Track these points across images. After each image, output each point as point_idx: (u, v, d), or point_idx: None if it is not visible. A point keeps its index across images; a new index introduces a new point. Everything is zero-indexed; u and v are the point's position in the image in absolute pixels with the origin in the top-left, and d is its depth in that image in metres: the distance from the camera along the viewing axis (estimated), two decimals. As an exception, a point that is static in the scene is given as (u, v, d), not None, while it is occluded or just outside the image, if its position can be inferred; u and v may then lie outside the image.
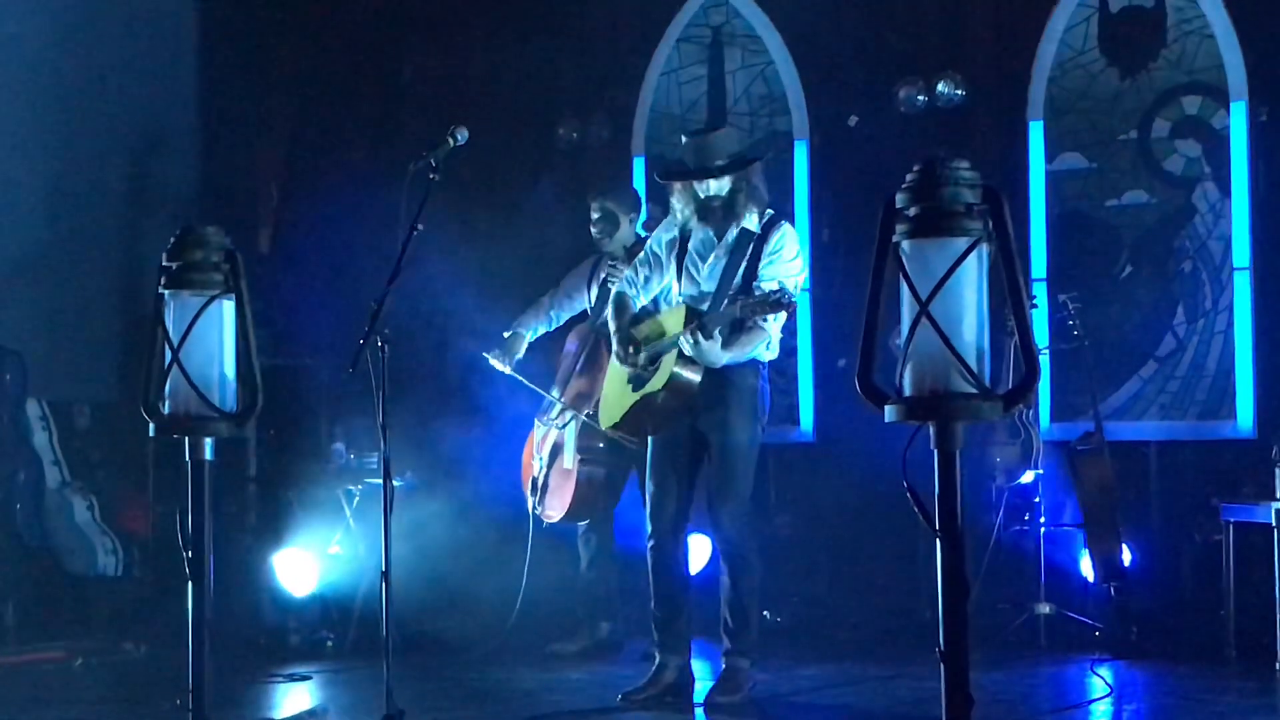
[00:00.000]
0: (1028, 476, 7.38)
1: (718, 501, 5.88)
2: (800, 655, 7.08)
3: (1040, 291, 8.01)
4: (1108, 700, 6.14)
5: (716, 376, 5.82)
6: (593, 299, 7.26)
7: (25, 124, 8.33)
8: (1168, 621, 7.34)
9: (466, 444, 7.89)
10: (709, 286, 5.87)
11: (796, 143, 8.74)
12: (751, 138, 8.55)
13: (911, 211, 2.98)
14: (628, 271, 6.21)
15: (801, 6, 8.58)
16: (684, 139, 6.07)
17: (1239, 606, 6.93)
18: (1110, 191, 8.25)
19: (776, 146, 8.64)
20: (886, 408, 3.00)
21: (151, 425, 3.74)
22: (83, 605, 7.99)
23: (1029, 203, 8.18)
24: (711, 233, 5.90)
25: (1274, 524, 6.54)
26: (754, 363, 5.89)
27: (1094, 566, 7.31)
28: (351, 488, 7.60)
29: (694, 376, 5.80)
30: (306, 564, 7.59)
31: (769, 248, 5.82)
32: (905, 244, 2.98)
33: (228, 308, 3.72)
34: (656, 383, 5.86)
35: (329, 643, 7.52)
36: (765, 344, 5.86)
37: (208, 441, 3.70)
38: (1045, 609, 7.33)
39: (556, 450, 7.15)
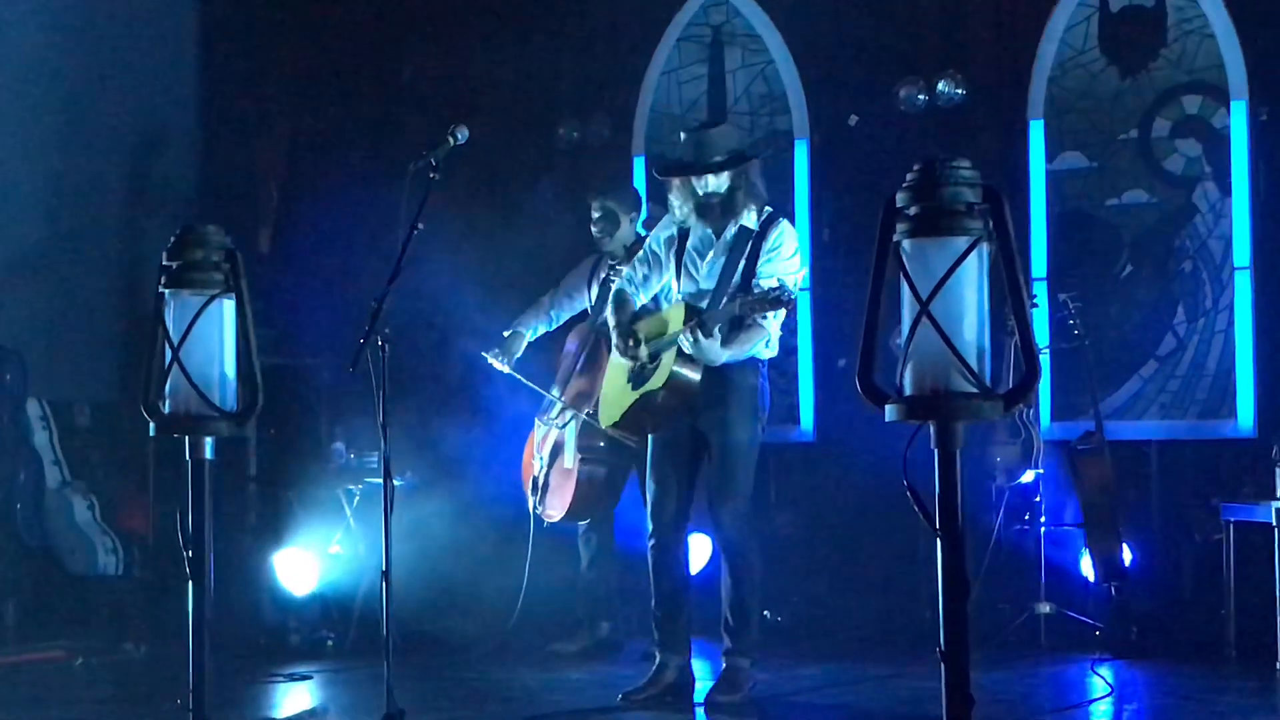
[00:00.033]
0: (1028, 476, 7.38)
1: (718, 500, 5.88)
2: (800, 655, 7.08)
3: (1041, 291, 8.01)
4: (1108, 700, 6.14)
5: (716, 375, 5.82)
6: (593, 298, 7.26)
7: (26, 123, 8.33)
8: (1168, 621, 7.34)
9: (467, 444, 7.90)
10: (708, 284, 5.87)
11: (797, 142, 8.74)
12: (752, 137, 8.54)
13: (912, 211, 2.98)
14: (627, 270, 6.21)
15: (802, 6, 8.59)
16: (682, 135, 6.07)
17: (1239, 606, 6.93)
18: (1110, 191, 8.25)
19: (777, 146, 8.64)
20: (887, 407, 3.00)
21: (152, 425, 3.74)
22: (83, 605, 7.99)
23: (1029, 202, 8.18)
24: (710, 231, 5.90)
25: (1274, 523, 6.54)
26: (753, 361, 5.88)
27: (1094, 566, 7.31)
28: (352, 487, 7.60)
29: (694, 375, 5.80)
30: (307, 563, 7.59)
31: (768, 245, 5.82)
32: (906, 243, 2.98)
33: (228, 307, 3.72)
34: (656, 381, 5.86)
35: (329, 642, 7.52)
36: (765, 342, 5.85)
37: (208, 441, 3.70)
38: (1046, 608, 7.33)
39: (557, 450, 7.15)
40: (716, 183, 5.84)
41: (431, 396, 8.56)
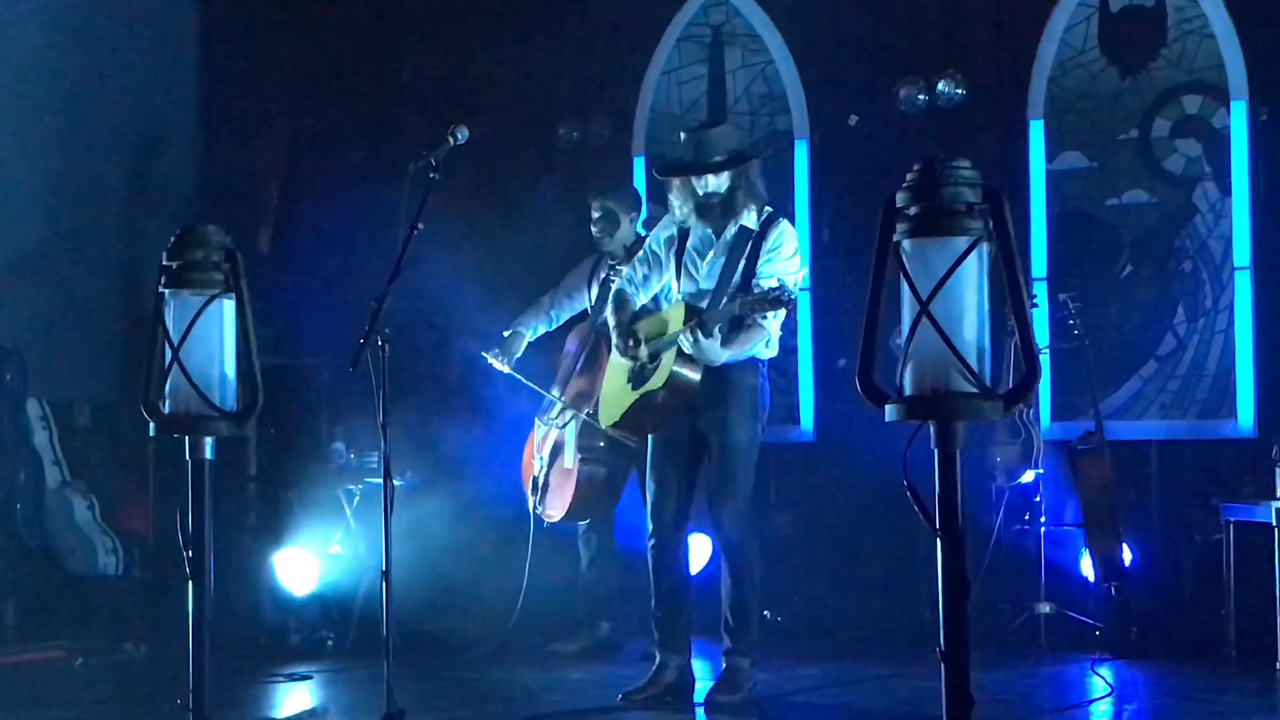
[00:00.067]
0: (1028, 476, 7.38)
1: (718, 500, 5.88)
2: (800, 655, 7.08)
3: (1041, 291, 8.01)
4: (1108, 700, 6.14)
5: (716, 375, 5.82)
6: (593, 298, 7.26)
7: (26, 123, 8.33)
8: (1168, 621, 7.34)
9: (467, 443, 7.90)
10: (708, 284, 5.87)
11: (797, 142, 8.74)
12: (752, 137, 8.54)
13: (912, 211, 2.98)
14: (627, 270, 6.21)
15: (802, 6, 8.59)
16: (682, 135, 6.07)
17: (1239, 606, 6.93)
18: (1110, 191, 8.25)
19: (777, 146, 8.64)
20: (887, 407, 3.00)
21: (152, 424, 3.74)
22: (83, 605, 7.99)
23: (1029, 202, 8.18)
24: (710, 231, 5.89)
25: (1274, 523, 6.54)
26: (753, 361, 5.88)
27: (1094, 566, 7.31)
28: (352, 487, 7.60)
29: (694, 375, 5.80)
30: (307, 563, 7.59)
31: (767, 245, 5.81)
32: (906, 243, 2.98)
33: (228, 307, 3.72)
34: (656, 381, 5.86)
35: (329, 642, 7.52)
36: (764, 342, 5.85)
37: (208, 441, 3.70)
38: (1045, 608, 7.33)
39: (557, 450, 7.15)
40: (716, 183, 5.84)
41: (432, 396, 8.56)
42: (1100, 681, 6.42)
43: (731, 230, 5.86)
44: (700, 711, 5.85)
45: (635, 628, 7.04)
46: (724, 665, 5.99)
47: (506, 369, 7.24)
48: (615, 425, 6.17)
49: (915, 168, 2.99)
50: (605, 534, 7.33)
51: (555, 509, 7.11)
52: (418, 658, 6.79)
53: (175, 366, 3.67)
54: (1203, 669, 6.74)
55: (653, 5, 8.99)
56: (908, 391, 2.98)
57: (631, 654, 6.97)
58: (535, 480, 7.19)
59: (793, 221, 6.19)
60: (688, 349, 5.76)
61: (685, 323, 5.74)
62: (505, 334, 7.35)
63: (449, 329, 8.38)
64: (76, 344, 8.58)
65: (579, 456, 7.03)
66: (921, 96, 8.31)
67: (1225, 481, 7.51)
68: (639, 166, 8.81)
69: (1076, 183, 8.29)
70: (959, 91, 8.26)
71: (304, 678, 6.80)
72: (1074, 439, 7.48)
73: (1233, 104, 7.93)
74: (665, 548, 5.97)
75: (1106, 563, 7.24)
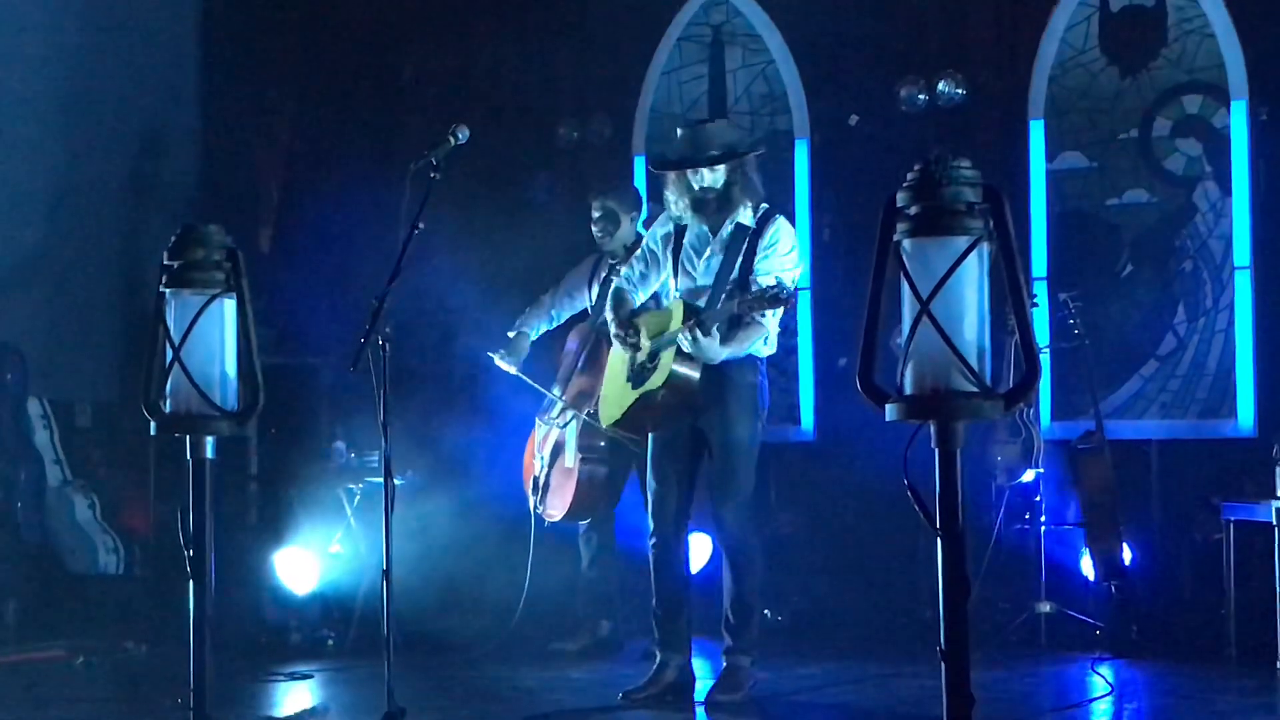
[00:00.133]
0: (1028, 475, 7.38)
1: (719, 499, 5.88)
2: (801, 654, 7.08)
3: (1041, 290, 8.01)
4: (1108, 699, 6.14)
5: (716, 374, 5.81)
6: (593, 298, 7.26)
7: (27, 124, 8.34)
8: (1168, 620, 7.34)
9: (468, 443, 7.90)
10: (705, 281, 5.87)
11: (797, 142, 8.75)
12: (752, 136, 8.53)
13: (912, 210, 2.98)
14: (625, 268, 6.21)
15: (802, 6, 8.59)
16: (679, 131, 6.06)
17: (1239, 605, 6.93)
18: (1111, 190, 8.25)
19: (777, 145, 8.65)
20: (887, 406, 3.01)
21: (153, 424, 3.74)
22: (84, 604, 7.99)
23: (1030, 202, 8.18)
24: (706, 228, 5.89)
25: (1274, 523, 6.54)
26: (752, 359, 5.88)
27: (1095, 565, 7.31)
28: (352, 486, 7.60)
29: (693, 373, 5.80)
30: (307, 562, 7.59)
31: (764, 242, 5.81)
32: (906, 243, 2.98)
33: (229, 306, 3.73)
34: (656, 380, 5.86)
35: (330, 641, 7.53)
36: (763, 339, 5.85)
37: (209, 440, 3.71)
38: (1046, 608, 7.33)
39: (558, 449, 7.15)
40: (712, 177, 5.83)
41: (433, 396, 8.56)
42: (1100, 681, 6.42)
43: (728, 227, 5.85)
44: (701, 710, 5.85)
45: (636, 627, 7.04)
46: (724, 664, 5.99)
47: (513, 370, 7.24)
48: (615, 425, 6.17)
49: (915, 167, 2.99)
50: (606, 533, 7.33)
51: (556, 508, 7.12)
52: (418, 657, 6.79)
53: (176, 366, 3.67)
54: (1203, 668, 6.74)
55: (653, 5, 8.99)
56: (908, 391, 2.98)
57: (632, 653, 6.97)
58: (536, 480, 7.19)
59: (793, 221, 6.18)
60: (687, 348, 5.76)
61: (684, 321, 5.74)
62: (510, 335, 7.35)
63: (450, 328, 8.39)
64: (77, 343, 8.58)
65: (580, 456, 7.03)
66: (922, 96, 8.31)
67: (1225, 481, 7.51)
68: (639, 166, 8.81)
69: (1077, 182, 8.29)
70: (959, 91, 8.27)
71: (305, 676, 6.80)
72: (1074, 438, 7.49)
73: (1233, 104, 7.94)
74: (666, 547, 5.97)
75: (1107, 562, 7.24)
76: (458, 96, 8.88)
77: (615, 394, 6.11)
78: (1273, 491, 6.66)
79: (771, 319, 5.77)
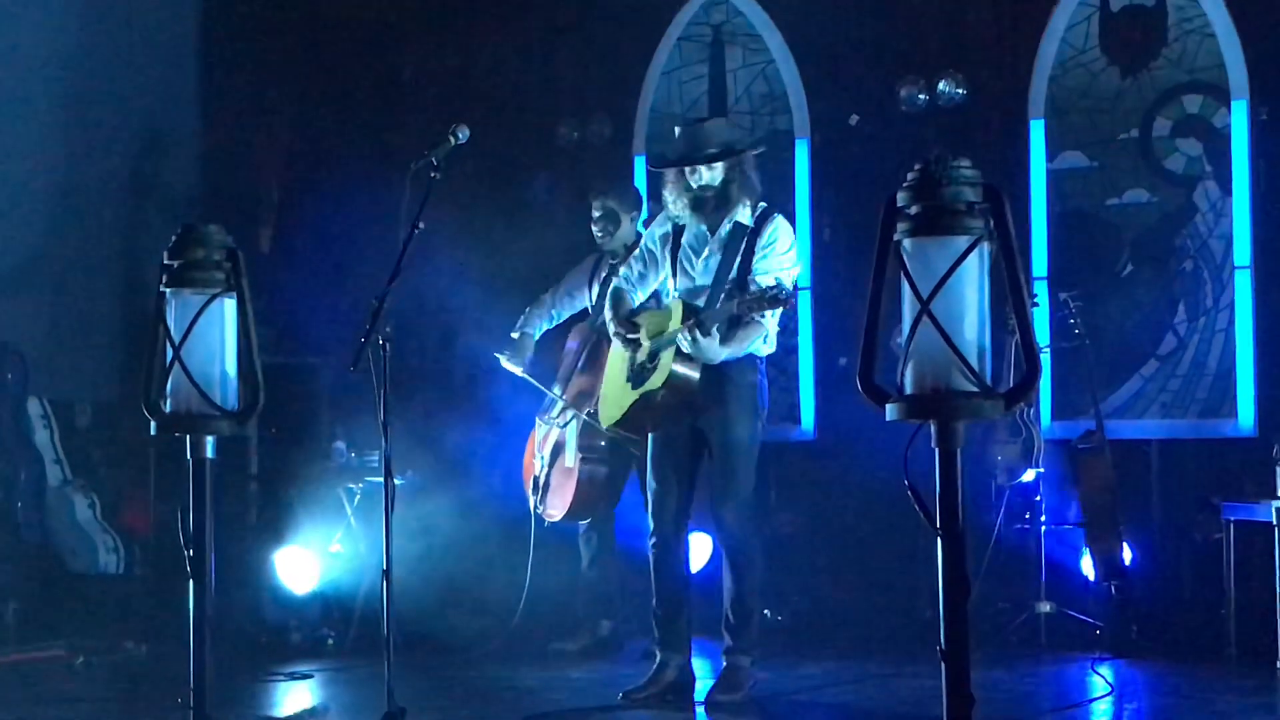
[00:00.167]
0: (1029, 475, 7.38)
1: (719, 499, 5.88)
2: (801, 653, 7.08)
3: (1041, 290, 8.01)
4: (1108, 699, 6.15)
5: (715, 373, 5.81)
6: (593, 298, 7.26)
7: (27, 123, 8.34)
8: (1168, 620, 7.34)
9: (469, 443, 7.90)
10: (704, 281, 5.86)
11: (797, 141, 8.75)
12: (752, 136, 8.53)
13: (913, 210, 2.98)
14: (623, 268, 6.21)
15: (802, 5, 8.59)
16: (677, 130, 6.06)
17: (1239, 605, 6.93)
18: (1111, 190, 8.25)
19: (777, 145, 8.64)
20: (887, 406, 3.01)
21: (153, 423, 3.74)
22: (84, 603, 7.99)
23: (1030, 201, 8.18)
24: (705, 227, 5.88)
25: (1275, 522, 6.54)
26: (752, 358, 5.88)
27: (1095, 565, 7.31)
28: (352, 486, 7.61)
29: (693, 373, 5.80)
30: (308, 562, 7.59)
31: (762, 241, 5.81)
32: (906, 242, 2.98)
33: (229, 306, 3.73)
34: (655, 381, 5.86)
35: (330, 641, 7.53)
36: (763, 339, 5.85)
37: (209, 440, 3.71)
38: (1046, 607, 7.33)
39: (558, 449, 7.15)
40: (710, 175, 5.83)
41: (435, 395, 8.57)
42: (1100, 680, 6.42)
43: (726, 226, 5.85)
44: (701, 710, 5.85)
45: (636, 627, 7.04)
46: (724, 664, 5.99)
47: (518, 371, 7.24)
48: (615, 425, 6.17)
49: (916, 167, 2.99)
50: (606, 533, 7.33)
51: (556, 508, 7.11)
52: (418, 656, 6.79)
53: (176, 365, 3.67)
54: (1203, 668, 6.74)
55: (653, 5, 8.99)
56: (908, 390, 2.98)
57: (632, 653, 6.97)
58: (536, 480, 7.19)
59: (793, 220, 6.18)
60: (686, 348, 5.76)
61: (683, 322, 5.74)
62: (514, 335, 7.35)
63: (451, 328, 8.39)
64: (77, 343, 8.58)
65: (580, 456, 7.03)
66: (922, 96, 8.32)
67: (1226, 481, 7.51)
68: (639, 166, 8.81)
69: (1077, 182, 8.29)
70: (959, 91, 8.27)
71: (305, 676, 6.80)
72: (1075, 438, 7.49)
73: (1233, 103, 7.94)
74: (666, 546, 5.97)
75: (1107, 562, 7.24)
76: (458, 96, 8.88)
77: (615, 394, 6.11)
78: (1273, 491, 6.66)
79: (771, 319, 5.77)
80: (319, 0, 9.41)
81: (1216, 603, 7.11)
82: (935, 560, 2.98)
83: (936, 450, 2.97)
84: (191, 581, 3.70)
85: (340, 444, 7.87)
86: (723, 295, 5.76)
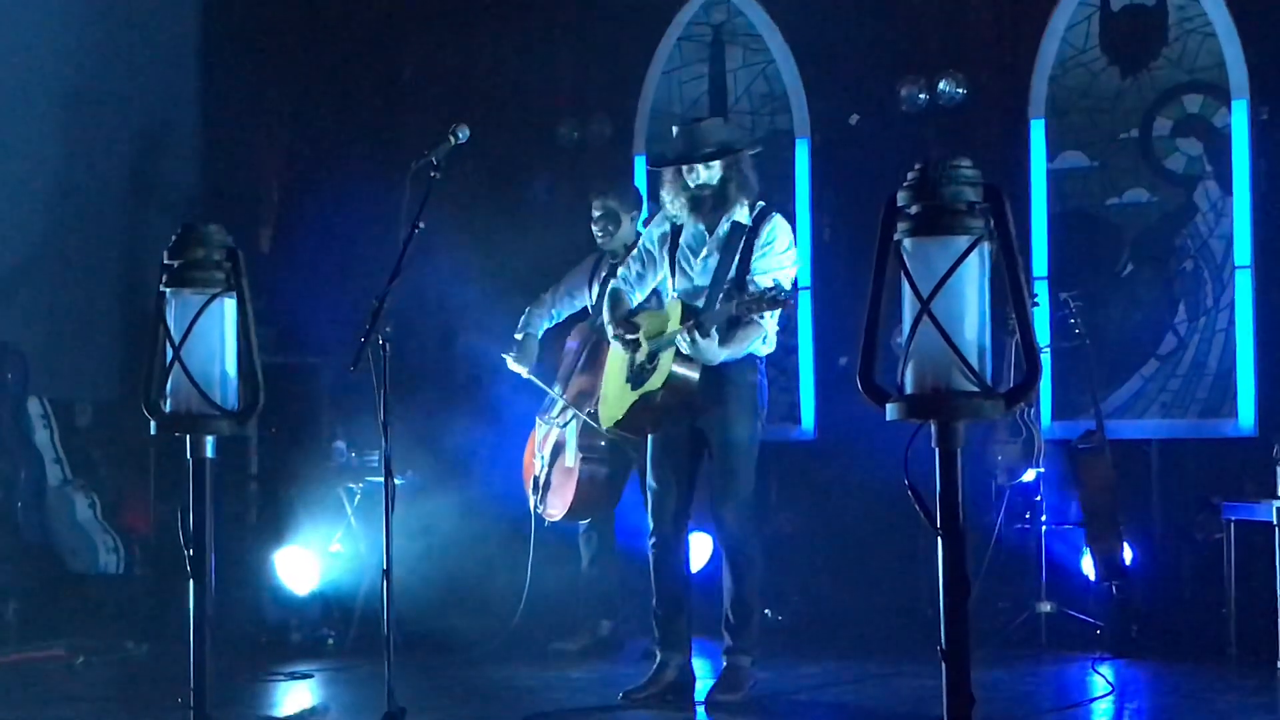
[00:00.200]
0: (1029, 475, 7.38)
1: (719, 499, 5.88)
2: (801, 653, 7.08)
3: (1041, 290, 8.01)
4: (1109, 699, 6.15)
5: (715, 374, 5.81)
6: (594, 297, 7.26)
7: (27, 123, 8.34)
8: (1169, 620, 7.34)
9: (469, 442, 7.90)
10: (702, 281, 5.86)
11: (798, 141, 8.74)
12: (752, 136, 8.53)
13: (913, 210, 2.98)
14: (622, 268, 6.21)
15: (803, 5, 8.59)
16: (674, 129, 6.06)
17: (1240, 605, 6.93)
18: (1111, 190, 8.25)
19: (778, 145, 8.65)
20: (888, 406, 3.01)
21: (153, 423, 3.75)
22: (84, 603, 7.99)
23: (1030, 201, 8.18)
24: (703, 226, 5.88)
25: (1275, 522, 6.54)
26: (751, 358, 5.88)
27: (1095, 565, 7.30)
28: (353, 486, 7.61)
29: (692, 374, 5.80)
30: (308, 562, 7.59)
31: (760, 240, 5.81)
32: (907, 242, 2.98)
33: (229, 306, 3.73)
34: (655, 382, 5.86)
35: (330, 641, 7.53)
36: (762, 339, 5.85)
37: (209, 439, 3.71)
38: (1046, 607, 7.33)
39: (558, 449, 7.15)
40: (708, 175, 5.83)
41: (434, 395, 8.56)
42: (1101, 680, 6.42)
43: (724, 226, 5.85)
44: (701, 710, 5.85)
45: (636, 626, 7.04)
46: (725, 664, 5.99)
47: (524, 372, 7.24)
48: (615, 426, 6.17)
49: (916, 167, 2.99)
50: (606, 533, 7.33)
51: (556, 508, 7.11)
52: (419, 656, 6.78)
53: (176, 365, 3.68)
54: (1203, 668, 6.74)
55: (653, 5, 8.99)
56: (909, 390, 2.98)
57: (632, 652, 6.97)
58: (536, 479, 7.19)
59: (793, 220, 6.18)
60: (685, 349, 5.76)
61: (682, 323, 5.74)
62: (517, 337, 7.35)
63: (451, 327, 8.39)
64: (78, 342, 8.58)
65: (580, 456, 7.03)
66: (922, 96, 8.31)
67: (1226, 480, 7.50)
68: (640, 166, 8.81)
69: (1077, 182, 8.29)
70: (960, 91, 8.27)
71: (305, 676, 6.80)
72: (1075, 438, 7.48)
73: (1234, 103, 7.94)
74: (666, 546, 5.97)
75: (1107, 561, 7.24)
76: (458, 96, 8.88)
77: (614, 395, 6.11)
78: (1273, 491, 6.66)
79: (770, 319, 5.77)
80: (319, 0, 9.41)
81: (1217, 602, 7.11)
82: (935, 560, 2.98)
83: (937, 450, 2.97)
84: (191, 581, 3.70)
85: (340, 444, 7.87)
86: (721, 295, 5.75)
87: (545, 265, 7.77)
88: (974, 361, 2.94)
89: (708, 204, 5.84)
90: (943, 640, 2.96)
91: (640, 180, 8.47)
